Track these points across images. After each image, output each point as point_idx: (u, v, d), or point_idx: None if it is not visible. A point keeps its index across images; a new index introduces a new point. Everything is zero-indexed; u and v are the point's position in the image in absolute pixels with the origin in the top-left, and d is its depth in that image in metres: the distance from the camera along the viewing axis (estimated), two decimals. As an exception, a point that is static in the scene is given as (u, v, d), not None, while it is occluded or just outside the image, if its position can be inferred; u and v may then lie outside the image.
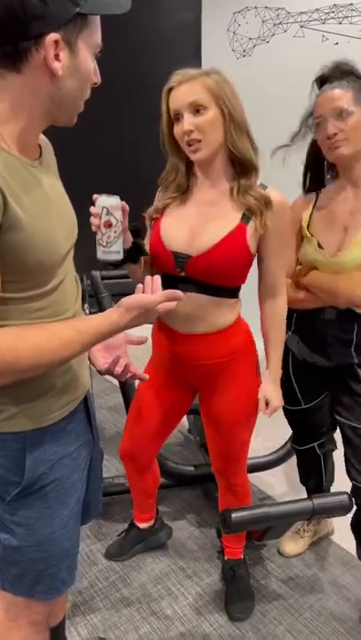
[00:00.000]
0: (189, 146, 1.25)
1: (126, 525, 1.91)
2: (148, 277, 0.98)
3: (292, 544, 1.90)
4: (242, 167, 1.29)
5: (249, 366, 1.46)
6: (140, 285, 0.97)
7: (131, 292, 0.96)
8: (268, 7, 3.28)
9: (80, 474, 1.03)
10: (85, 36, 0.80)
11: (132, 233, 1.20)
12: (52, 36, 0.75)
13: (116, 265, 1.25)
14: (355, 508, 1.53)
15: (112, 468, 2.27)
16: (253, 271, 1.39)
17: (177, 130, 1.26)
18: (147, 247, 1.37)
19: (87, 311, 2.14)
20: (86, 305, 2.20)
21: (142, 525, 1.86)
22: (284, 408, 1.50)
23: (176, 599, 1.72)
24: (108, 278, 2.24)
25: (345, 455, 1.56)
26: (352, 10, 2.90)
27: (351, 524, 1.61)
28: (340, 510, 1.21)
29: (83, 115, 0.90)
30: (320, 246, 1.45)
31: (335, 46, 2.97)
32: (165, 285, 0.98)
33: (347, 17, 2.93)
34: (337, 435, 1.69)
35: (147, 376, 1.12)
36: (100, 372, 1.08)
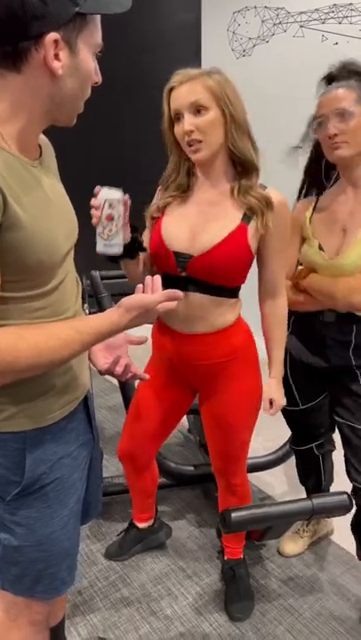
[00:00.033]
0: (190, 146, 1.25)
1: (126, 525, 1.91)
2: (148, 277, 0.98)
3: (292, 544, 1.90)
4: (243, 167, 1.29)
5: (249, 366, 1.46)
6: (140, 285, 0.97)
7: (130, 291, 0.96)
8: (268, 7, 3.28)
9: (80, 473, 1.04)
10: (85, 36, 0.80)
11: (131, 228, 1.20)
12: (52, 36, 0.75)
13: (113, 260, 1.24)
14: (355, 508, 1.53)
15: (112, 468, 2.27)
16: (253, 271, 1.40)
17: (178, 130, 1.26)
18: (144, 245, 1.37)
19: (87, 311, 2.13)
20: (86, 305, 2.20)
21: (141, 525, 1.86)
22: (282, 408, 1.50)
23: (176, 599, 1.72)
24: (108, 278, 2.24)
25: (345, 456, 1.56)
26: (352, 10, 2.90)
27: (351, 525, 1.61)
28: (340, 510, 1.21)
29: (83, 115, 0.90)
30: (321, 248, 1.45)
31: (335, 46, 2.97)
32: (166, 285, 0.98)
33: (346, 17, 2.93)
34: (336, 436, 1.69)
35: (147, 376, 1.12)
36: (101, 372, 1.08)
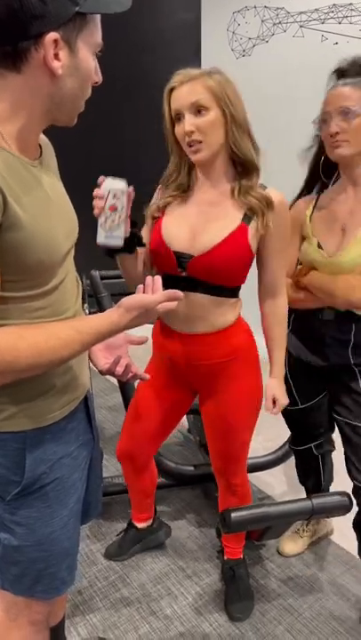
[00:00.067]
0: (190, 146, 1.25)
1: (126, 525, 1.91)
2: (148, 277, 0.98)
3: (292, 544, 1.90)
4: (243, 167, 1.29)
5: (250, 366, 1.46)
6: (140, 286, 0.97)
7: (130, 291, 0.96)
8: (268, 7, 3.28)
9: (80, 473, 1.04)
10: (85, 36, 0.80)
11: (131, 223, 1.19)
12: (52, 36, 0.75)
13: (112, 253, 1.23)
14: (356, 506, 1.53)
15: (112, 468, 2.27)
16: (253, 271, 1.40)
17: (178, 130, 1.26)
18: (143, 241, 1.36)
19: (87, 311, 2.13)
20: (86, 305, 2.20)
21: (140, 525, 1.86)
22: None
23: (176, 599, 1.72)
24: (108, 278, 2.24)
25: (345, 454, 1.56)
26: (351, 10, 2.90)
27: (353, 523, 1.61)
28: (340, 510, 1.21)
29: (83, 114, 0.90)
30: (320, 246, 1.45)
31: (335, 46, 2.97)
32: (166, 285, 0.98)
33: (346, 17, 2.93)
34: (336, 435, 1.69)
35: (147, 376, 1.11)
36: (102, 372, 1.08)
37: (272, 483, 2.30)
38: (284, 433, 1.88)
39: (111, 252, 1.20)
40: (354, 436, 1.52)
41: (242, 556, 1.74)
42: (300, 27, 3.15)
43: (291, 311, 1.52)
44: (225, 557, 1.75)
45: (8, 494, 0.92)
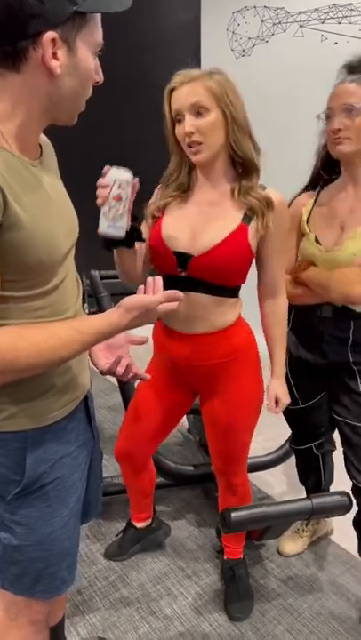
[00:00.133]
0: (190, 147, 1.25)
1: (125, 525, 1.91)
2: (149, 278, 0.98)
3: (292, 544, 1.90)
4: (243, 168, 1.29)
5: (250, 366, 1.46)
6: (141, 286, 0.97)
7: (130, 291, 0.96)
8: (268, 7, 3.28)
9: (80, 473, 1.04)
10: (85, 35, 0.80)
11: (131, 217, 1.18)
12: (50, 35, 0.75)
13: (111, 246, 1.20)
14: (356, 506, 1.53)
15: (112, 468, 2.27)
16: (253, 271, 1.40)
17: (178, 131, 1.26)
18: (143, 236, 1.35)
19: (87, 311, 2.13)
20: (85, 305, 2.20)
21: (139, 525, 1.86)
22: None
23: (175, 599, 1.72)
24: (108, 278, 2.24)
25: (344, 454, 1.56)
26: (351, 9, 2.91)
27: (353, 521, 1.61)
28: (340, 510, 1.21)
29: (82, 114, 0.90)
30: (318, 241, 1.45)
31: (334, 46, 2.98)
32: (166, 285, 0.98)
33: (346, 17, 2.94)
34: (336, 435, 1.69)
35: (148, 376, 1.11)
36: (102, 372, 1.08)
37: (272, 482, 2.30)
38: (285, 432, 1.88)
39: (110, 243, 1.18)
40: (353, 436, 1.52)
41: (242, 556, 1.74)
42: (300, 26, 3.15)
43: (290, 310, 1.52)
44: (225, 557, 1.75)
45: (8, 494, 0.92)
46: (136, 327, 0.94)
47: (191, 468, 2.13)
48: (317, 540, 1.96)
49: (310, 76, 3.01)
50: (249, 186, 1.28)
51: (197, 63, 3.64)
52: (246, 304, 1.44)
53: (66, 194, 0.97)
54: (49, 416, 0.93)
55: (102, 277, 2.22)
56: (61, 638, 1.36)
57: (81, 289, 1.02)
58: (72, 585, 1.08)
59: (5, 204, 0.74)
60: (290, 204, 1.50)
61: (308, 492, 1.86)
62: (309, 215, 1.49)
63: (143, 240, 1.27)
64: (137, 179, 1.06)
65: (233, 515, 1.14)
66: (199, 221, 1.31)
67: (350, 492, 1.28)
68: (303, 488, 1.88)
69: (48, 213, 0.84)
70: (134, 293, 0.94)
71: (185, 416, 2.21)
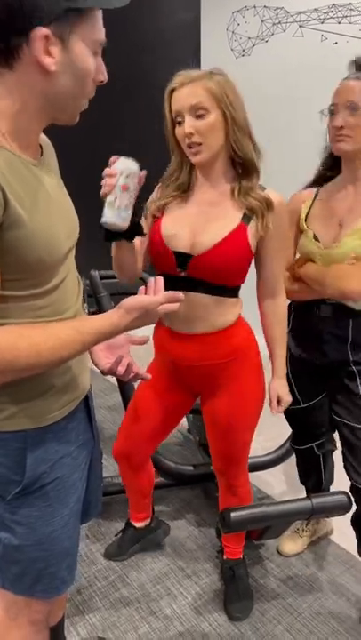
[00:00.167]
0: (190, 148, 1.25)
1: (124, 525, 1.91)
2: (150, 278, 0.98)
3: (291, 543, 1.91)
4: (243, 168, 1.29)
5: (250, 366, 1.46)
6: (142, 287, 0.97)
7: (130, 291, 0.96)
8: (267, 6, 3.28)
9: (80, 473, 1.04)
10: (82, 32, 0.78)
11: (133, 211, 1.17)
12: (42, 31, 0.73)
13: (111, 238, 1.17)
14: (355, 505, 1.53)
15: (111, 468, 2.27)
16: (253, 271, 1.40)
17: (178, 132, 1.26)
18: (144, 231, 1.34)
19: (87, 311, 2.14)
20: (85, 305, 2.20)
21: (139, 525, 1.86)
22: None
23: (175, 599, 1.72)
24: (108, 278, 2.24)
25: (343, 454, 1.56)
26: (351, 9, 2.91)
27: (352, 520, 1.61)
28: (339, 510, 1.21)
29: (82, 114, 0.89)
30: (316, 238, 1.45)
31: (334, 46, 2.98)
32: (166, 285, 0.98)
33: (346, 16, 2.94)
34: (336, 435, 1.69)
35: (149, 376, 1.11)
36: (103, 372, 1.08)
37: (272, 482, 2.30)
38: (285, 432, 1.88)
39: (112, 235, 1.16)
40: (352, 437, 1.52)
41: (241, 556, 1.74)
42: (300, 26, 3.15)
43: (290, 310, 1.52)
44: (225, 557, 1.75)
45: (9, 494, 0.92)
46: (136, 328, 0.94)
47: (191, 467, 2.13)
48: (317, 540, 1.96)
49: (310, 75, 3.01)
50: (249, 186, 1.28)
51: (197, 63, 3.64)
52: (246, 304, 1.44)
53: (66, 194, 0.97)
54: (49, 416, 0.93)
55: (102, 277, 2.22)
56: (61, 638, 1.36)
57: (81, 289, 1.02)
58: (72, 585, 1.08)
59: (6, 202, 0.74)
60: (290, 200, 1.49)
61: (308, 491, 1.86)
62: (308, 212, 1.50)
63: (144, 234, 1.25)
64: (144, 171, 1.06)
65: (233, 514, 1.14)
66: (199, 221, 1.31)
67: (349, 492, 1.28)
68: (303, 488, 1.88)
69: (48, 213, 0.84)
70: (134, 293, 0.94)
71: (185, 416, 2.22)
